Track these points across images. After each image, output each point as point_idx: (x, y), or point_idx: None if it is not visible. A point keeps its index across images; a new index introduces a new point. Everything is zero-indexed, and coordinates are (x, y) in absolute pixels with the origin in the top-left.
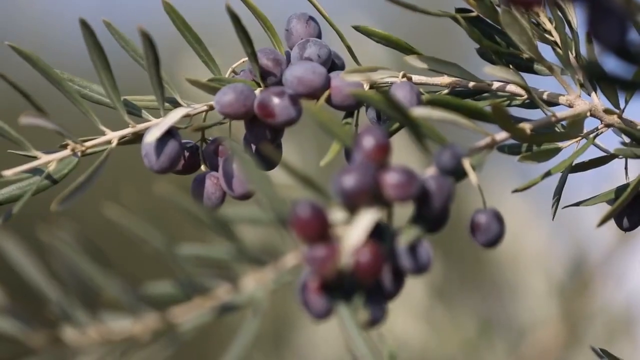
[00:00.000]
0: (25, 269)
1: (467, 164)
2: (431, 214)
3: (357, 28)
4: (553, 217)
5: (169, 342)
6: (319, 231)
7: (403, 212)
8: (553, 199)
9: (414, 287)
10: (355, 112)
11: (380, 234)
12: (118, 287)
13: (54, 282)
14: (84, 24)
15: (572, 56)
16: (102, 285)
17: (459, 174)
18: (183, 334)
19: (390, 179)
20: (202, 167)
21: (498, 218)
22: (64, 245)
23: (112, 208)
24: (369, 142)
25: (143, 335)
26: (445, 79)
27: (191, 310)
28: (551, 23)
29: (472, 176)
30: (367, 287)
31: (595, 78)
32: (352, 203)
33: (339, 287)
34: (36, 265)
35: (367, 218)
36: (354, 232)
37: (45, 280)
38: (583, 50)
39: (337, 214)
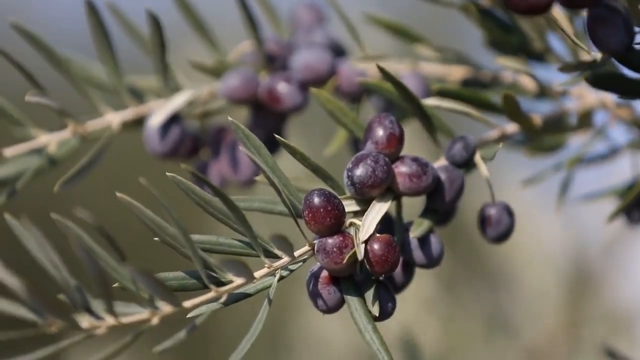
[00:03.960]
0: (42, 257)
1: (477, 156)
2: (442, 206)
3: (365, 15)
4: (559, 212)
5: (182, 328)
6: (332, 222)
7: (410, 204)
8: (560, 193)
9: (422, 279)
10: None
11: (391, 226)
12: (132, 275)
13: (71, 270)
14: (90, 5)
15: (583, 48)
16: (117, 274)
17: (469, 166)
18: (195, 320)
19: (403, 170)
20: (203, 153)
21: (508, 211)
22: (80, 234)
23: (128, 198)
24: (381, 131)
25: (156, 321)
26: (455, 69)
27: (204, 298)
28: (556, 22)
29: (483, 169)
30: (378, 279)
31: (598, 83)
32: (365, 194)
33: (350, 279)
34: (53, 254)
35: (380, 209)
36: (366, 223)
37: (62, 269)
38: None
39: (349, 205)
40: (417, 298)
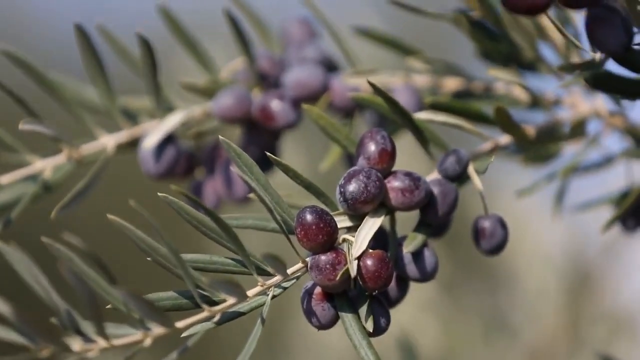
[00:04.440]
0: (33, 281)
1: (471, 169)
2: (435, 220)
3: (356, 30)
4: (557, 219)
5: (175, 349)
6: (325, 239)
7: (404, 217)
8: (556, 201)
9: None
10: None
11: (385, 241)
12: (124, 298)
13: (61, 294)
14: (79, 29)
15: (575, 57)
16: (108, 296)
17: (462, 179)
18: (188, 340)
19: (396, 185)
20: (197, 172)
21: (502, 224)
22: (71, 257)
23: (118, 219)
24: (373, 146)
25: (148, 342)
26: (448, 81)
27: (196, 318)
28: (554, 23)
29: (477, 182)
30: (372, 294)
31: (597, 83)
32: (357, 210)
33: (344, 295)
34: (43, 277)
35: (373, 225)
36: (359, 239)
37: (52, 292)
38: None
39: (342, 221)
40: (417, 299)
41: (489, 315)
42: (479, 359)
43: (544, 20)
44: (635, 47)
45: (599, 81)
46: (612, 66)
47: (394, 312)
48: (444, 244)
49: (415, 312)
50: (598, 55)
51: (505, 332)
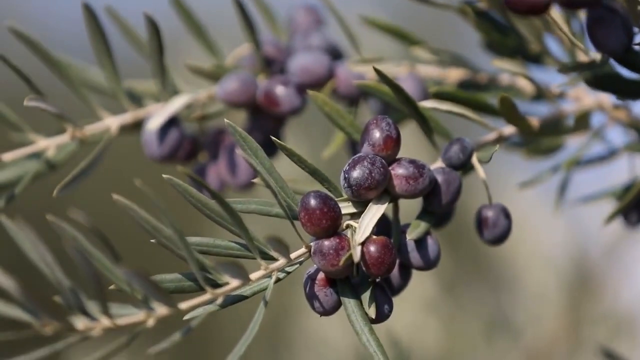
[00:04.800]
0: (38, 259)
1: (474, 158)
2: (439, 209)
3: (362, 18)
4: (558, 213)
5: (178, 330)
6: (328, 224)
7: (408, 206)
8: (558, 194)
9: (423, 280)
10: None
11: (388, 229)
12: (127, 277)
13: (67, 272)
14: (87, 9)
15: (581, 49)
16: (112, 275)
17: (466, 168)
18: (191, 322)
19: (400, 173)
20: (201, 156)
21: (505, 213)
22: (75, 235)
23: (123, 199)
24: (378, 133)
25: (151, 323)
26: (453, 71)
27: (200, 299)
28: (556, 24)
29: (480, 171)
30: (375, 281)
31: (597, 83)
32: (361, 196)
33: (347, 281)
34: (48, 255)
35: (377, 211)
36: (363, 226)
37: (57, 270)
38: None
39: (346, 207)
40: (418, 299)
41: (490, 315)
42: (479, 358)
43: (552, 13)
44: (635, 47)
45: (598, 81)
46: (611, 66)
47: (394, 311)
48: (445, 243)
49: (415, 311)
50: (598, 56)
51: (506, 332)
